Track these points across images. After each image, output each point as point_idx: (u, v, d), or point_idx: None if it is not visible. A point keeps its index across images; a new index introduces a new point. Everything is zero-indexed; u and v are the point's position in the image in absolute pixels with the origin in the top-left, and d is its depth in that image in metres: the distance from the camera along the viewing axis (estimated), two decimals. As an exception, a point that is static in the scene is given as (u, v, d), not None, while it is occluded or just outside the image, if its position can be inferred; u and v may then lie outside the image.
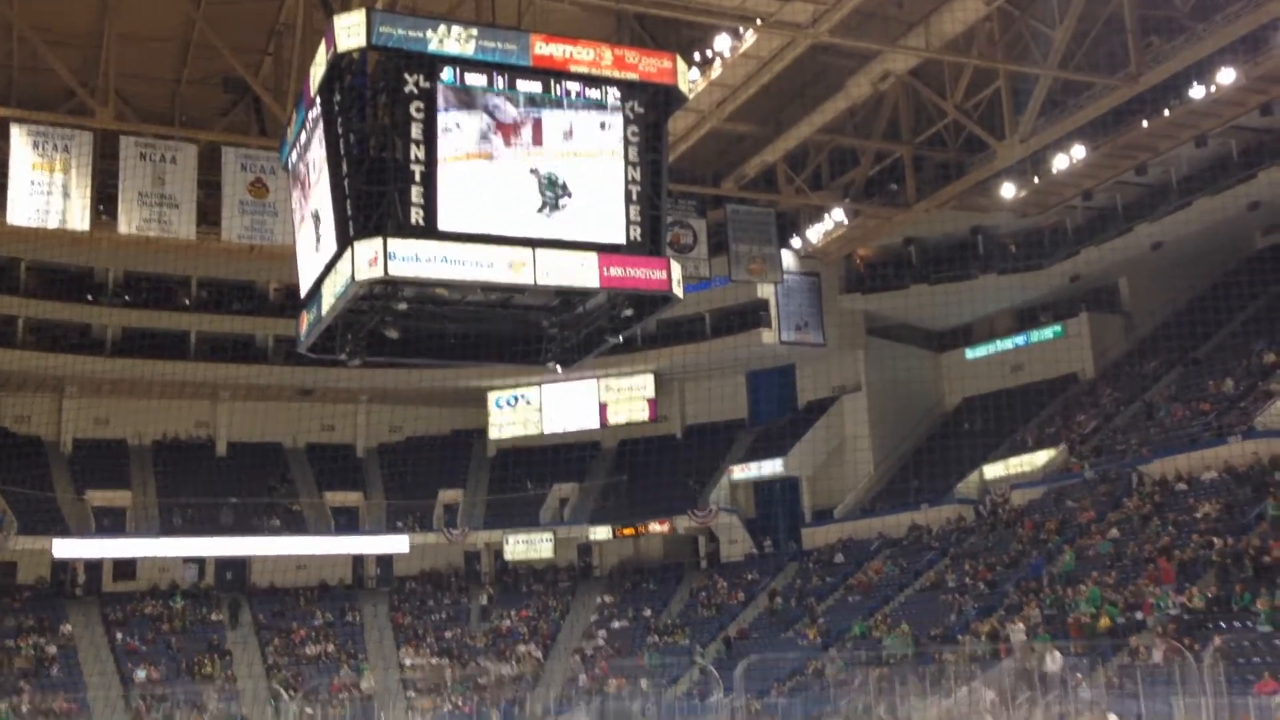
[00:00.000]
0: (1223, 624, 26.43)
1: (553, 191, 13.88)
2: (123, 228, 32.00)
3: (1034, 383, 46.51)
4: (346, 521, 52.40)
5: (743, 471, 50.74)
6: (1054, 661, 28.21)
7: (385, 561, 52.42)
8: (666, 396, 54.31)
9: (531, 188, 13.77)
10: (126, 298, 49.61)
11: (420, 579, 51.99)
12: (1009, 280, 46.21)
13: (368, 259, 12.90)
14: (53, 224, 31.28)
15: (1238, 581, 27.75)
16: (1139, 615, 28.64)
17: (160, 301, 49.53)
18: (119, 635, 44.97)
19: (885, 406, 48.88)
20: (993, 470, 43.58)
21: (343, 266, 13.36)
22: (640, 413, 53.82)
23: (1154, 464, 35.81)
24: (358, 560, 52.18)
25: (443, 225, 13.21)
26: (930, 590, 38.39)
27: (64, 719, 38.72)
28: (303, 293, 15.51)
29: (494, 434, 54.95)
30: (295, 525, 50.69)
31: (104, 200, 33.04)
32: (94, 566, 47.80)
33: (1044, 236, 45.43)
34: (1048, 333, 47.34)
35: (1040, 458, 42.29)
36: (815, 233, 44.43)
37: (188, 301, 50.61)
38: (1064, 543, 35.17)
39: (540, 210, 13.79)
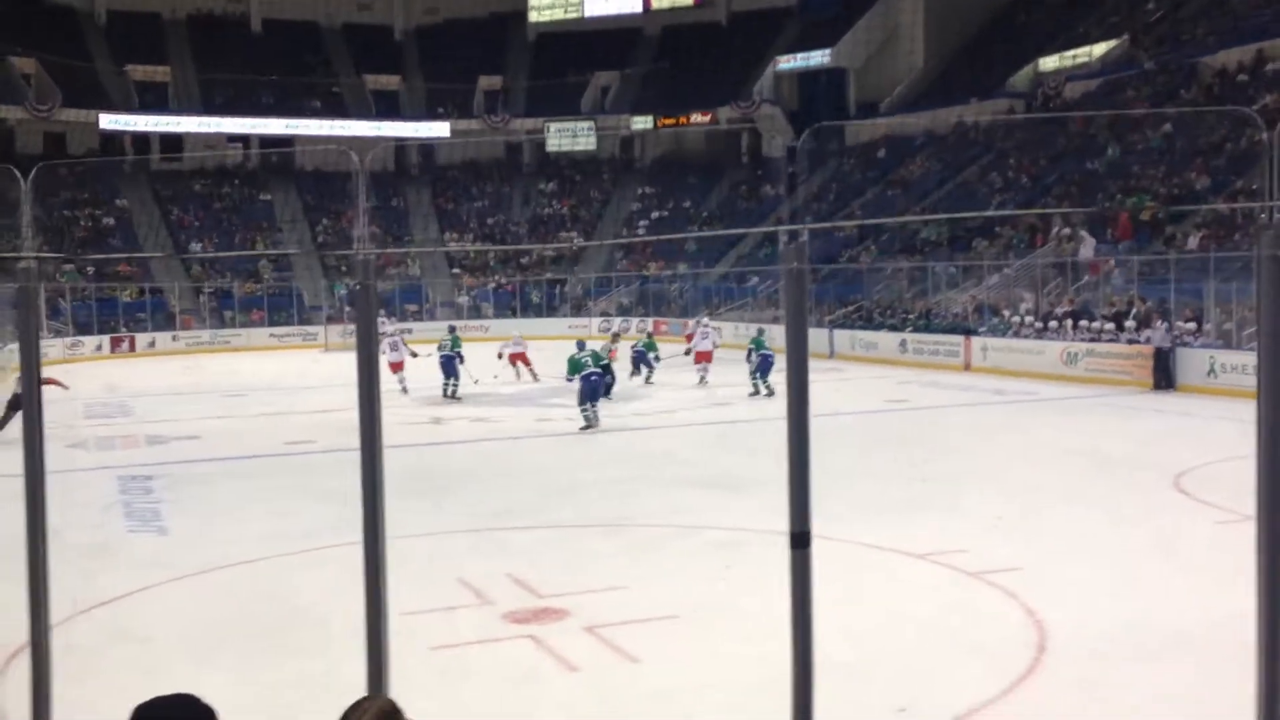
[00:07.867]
0: (1264, 216, 26.30)
1: None
2: None
3: (1105, -34, 43.79)
4: (387, 106, 52.12)
5: (789, 62, 49.34)
6: (1087, 248, 28.56)
7: (427, 150, 52.60)
8: (713, -20, 52.04)
9: None
10: None
11: (462, 168, 52.36)
12: None
13: None
14: None
15: (1287, 174, 27.34)
16: (1180, 207, 28.53)
17: None
18: (172, 210, 46.26)
19: (944, -7, 46.60)
20: (1048, 62, 42.03)
21: None
22: (685, -4, 51.89)
23: (1218, 55, 34.37)
24: (400, 147, 52.36)
25: None
26: (972, 185, 38.21)
27: (127, 280, 40.62)
28: None
29: (533, 16, 53.28)
30: (335, 108, 50.54)
31: None
32: (142, 141, 48.45)
33: None
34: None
35: (1100, 49, 40.62)
36: None
37: None
38: (1113, 137, 34.49)
39: None
